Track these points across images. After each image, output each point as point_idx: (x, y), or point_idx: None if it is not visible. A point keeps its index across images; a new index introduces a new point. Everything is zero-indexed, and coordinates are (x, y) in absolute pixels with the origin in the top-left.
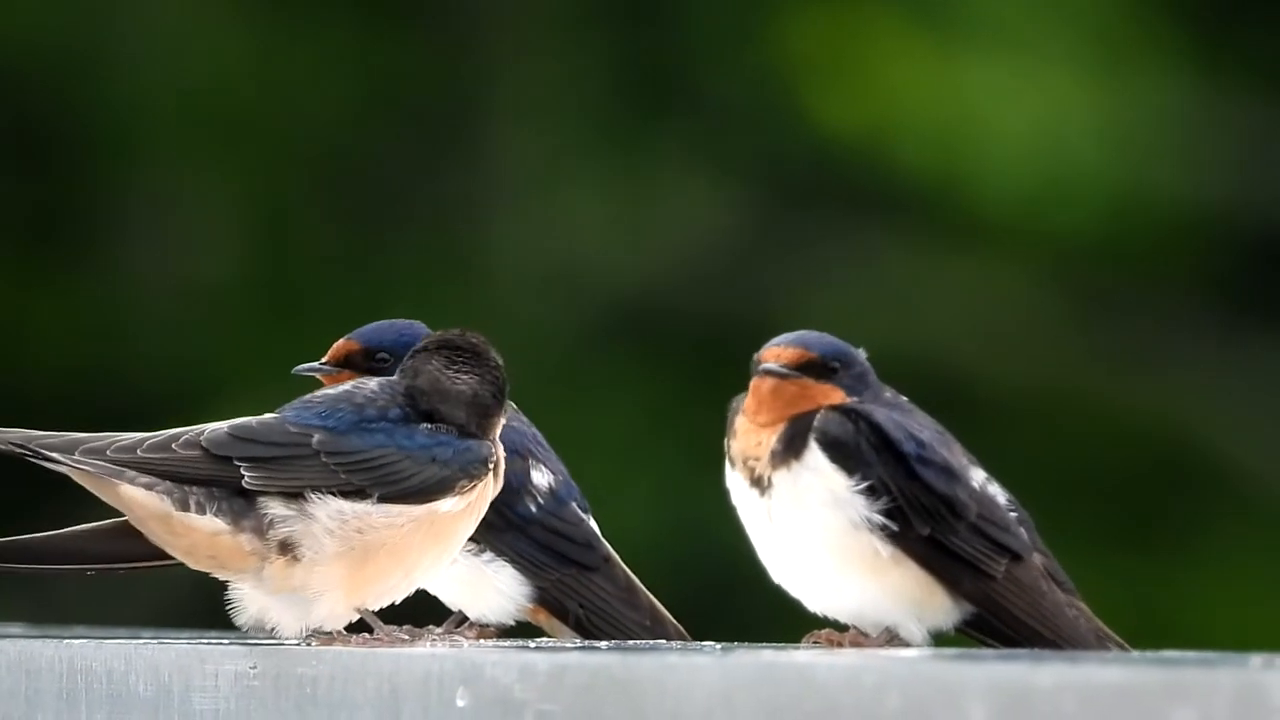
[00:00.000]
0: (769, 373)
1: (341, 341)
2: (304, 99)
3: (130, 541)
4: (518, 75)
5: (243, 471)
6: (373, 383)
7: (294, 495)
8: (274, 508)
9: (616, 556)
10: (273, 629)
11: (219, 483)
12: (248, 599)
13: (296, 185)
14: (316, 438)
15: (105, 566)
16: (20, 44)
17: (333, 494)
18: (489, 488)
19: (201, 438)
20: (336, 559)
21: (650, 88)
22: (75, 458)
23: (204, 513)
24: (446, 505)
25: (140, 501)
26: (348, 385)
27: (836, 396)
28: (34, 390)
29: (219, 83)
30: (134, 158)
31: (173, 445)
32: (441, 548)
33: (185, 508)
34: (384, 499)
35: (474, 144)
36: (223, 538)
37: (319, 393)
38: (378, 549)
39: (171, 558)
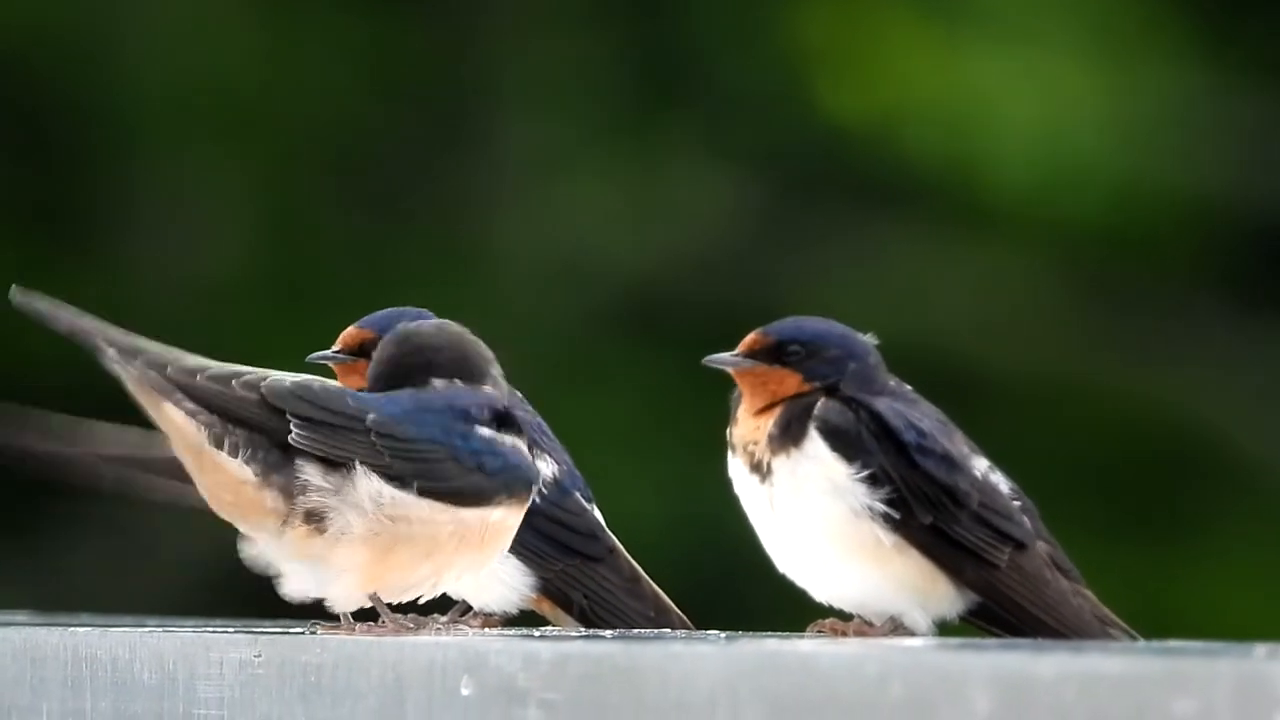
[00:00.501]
0: (717, 362)
1: (353, 329)
2: (310, 90)
3: (160, 475)
4: (525, 65)
5: (292, 427)
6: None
7: (336, 465)
8: (310, 473)
9: (620, 547)
10: (275, 577)
11: (266, 431)
12: (260, 551)
13: (303, 177)
14: (372, 416)
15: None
16: (25, 34)
17: (378, 473)
18: (524, 507)
19: (263, 383)
20: (362, 541)
21: (659, 77)
22: (135, 365)
23: (236, 455)
24: (496, 515)
25: (179, 425)
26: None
27: (792, 382)
28: (37, 383)
29: (225, 74)
30: (139, 150)
31: (233, 381)
32: (477, 554)
33: (219, 445)
34: (423, 493)
35: (481, 133)
36: (247, 488)
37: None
38: (407, 540)
39: (185, 504)
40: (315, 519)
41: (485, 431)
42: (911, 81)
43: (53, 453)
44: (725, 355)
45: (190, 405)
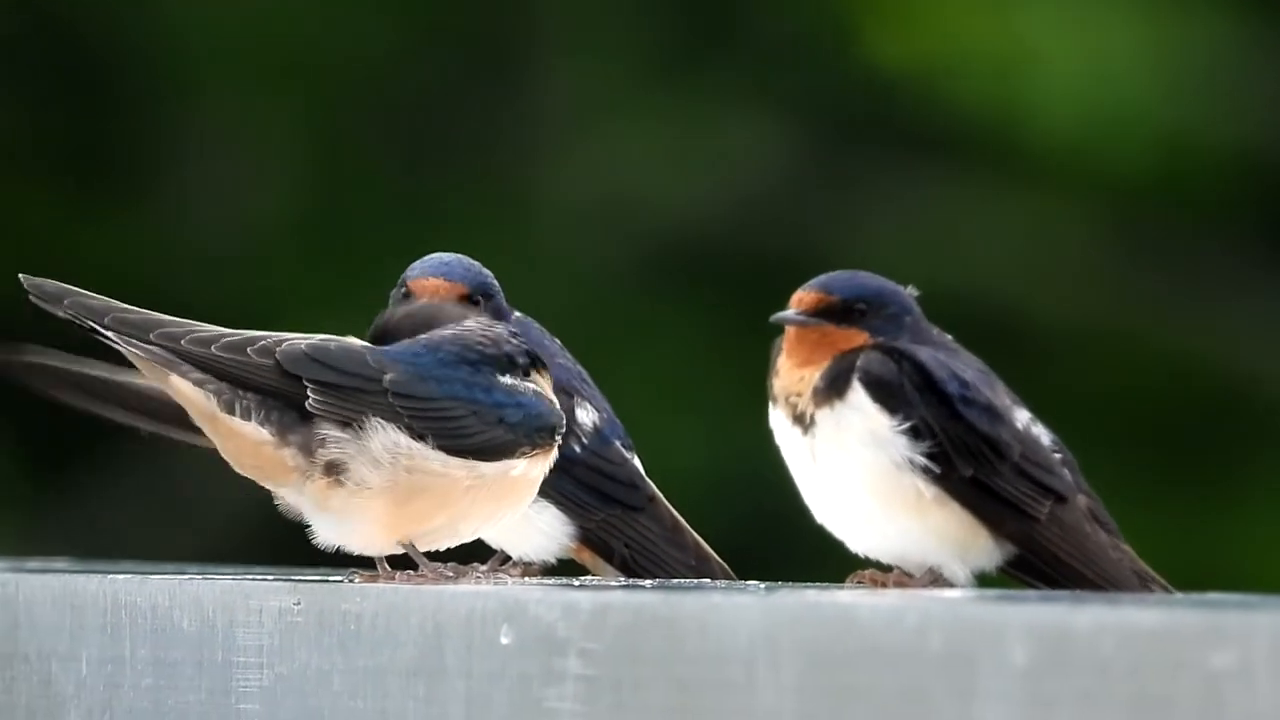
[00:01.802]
0: (784, 321)
1: (435, 281)
2: (354, 33)
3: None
4: (569, 9)
5: (309, 393)
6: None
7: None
8: (327, 427)
9: (660, 496)
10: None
11: (284, 397)
12: (290, 504)
13: (347, 121)
14: (389, 376)
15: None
16: None
17: (394, 425)
18: (552, 453)
19: (278, 350)
20: (379, 492)
21: (703, 22)
22: (140, 342)
23: (249, 419)
24: (519, 468)
25: (188, 396)
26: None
27: (860, 339)
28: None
29: (270, 17)
30: (184, 95)
31: (248, 349)
32: (497, 506)
33: (231, 410)
34: (442, 449)
35: (525, 79)
36: (266, 448)
37: (444, 330)
38: (422, 491)
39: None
40: (335, 471)
41: (507, 380)
42: (957, 29)
43: (89, 382)
44: (791, 313)
45: (198, 375)
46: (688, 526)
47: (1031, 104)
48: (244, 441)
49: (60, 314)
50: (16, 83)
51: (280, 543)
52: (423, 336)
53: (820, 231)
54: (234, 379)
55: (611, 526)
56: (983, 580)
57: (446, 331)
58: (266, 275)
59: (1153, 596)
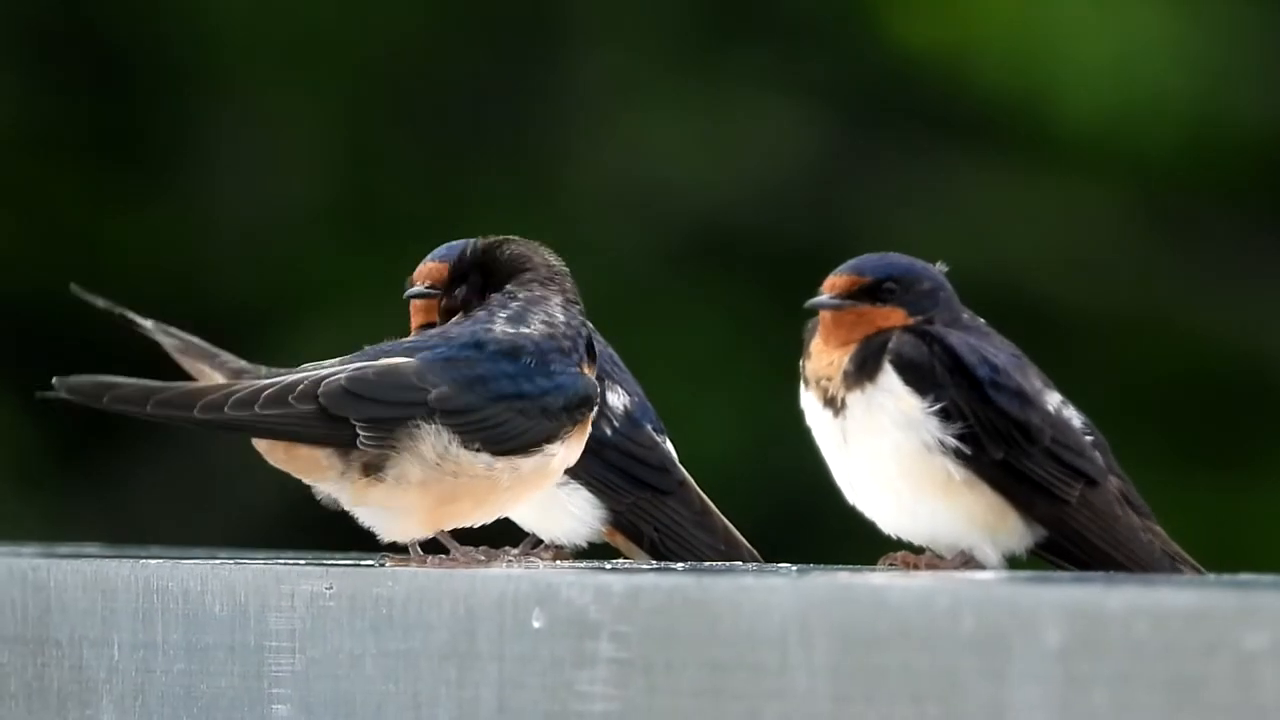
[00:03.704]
0: (820, 306)
1: (433, 264)
2: (385, 20)
3: None
4: None
5: (359, 432)
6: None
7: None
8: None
9: (690, 479)
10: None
11: (336, 443)
12: (325, 493)
13: (377, 107)
14: (434, 394)
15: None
16: None
17: (442, 431)
18: (588, 427)
19: (320, 393)
20: (420, 487)
21: (731, 7)
22: (181, 419)
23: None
24: (557, 456)
25: None
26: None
27: (897, 317)
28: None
29: (302, 3)
30: (215, 80)
31: (289, 398)
32: (531, 492)
33: None
34: (486, 450)
35: (554, 64)
36: (301, 448)
37: (492, 313)
38: (465, 493)
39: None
40: (373, 470)
41: (547, 364)
42: (984, 11)
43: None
44: (825, 298)
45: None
46: (717, 511)
47: (1060, 87)
48: (278, 448)
49: (101, 407)
50: (49, 71)
51: (312, 527)
52: (482, 314)
53: (849, 216)
54: (283, 435)
55: (641, 510)
56: (1014, 564)
57: (513, 306)
58: (298, 260)
59: (1185, 578)
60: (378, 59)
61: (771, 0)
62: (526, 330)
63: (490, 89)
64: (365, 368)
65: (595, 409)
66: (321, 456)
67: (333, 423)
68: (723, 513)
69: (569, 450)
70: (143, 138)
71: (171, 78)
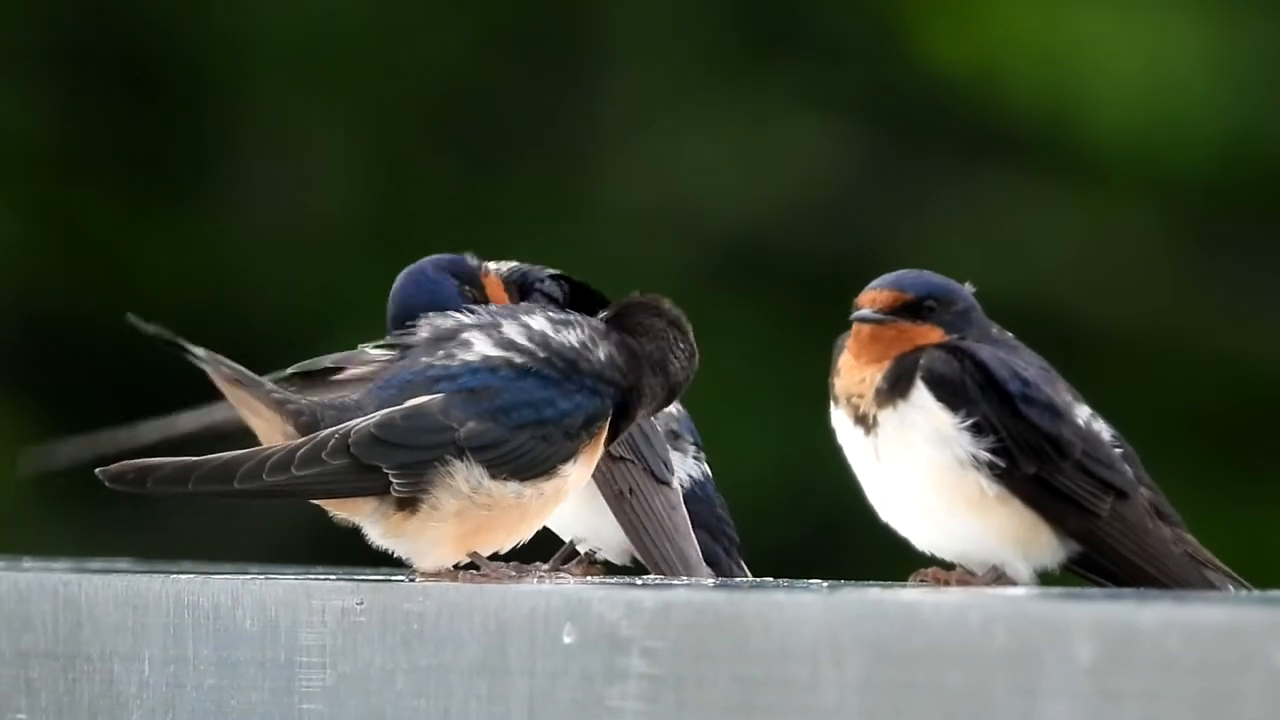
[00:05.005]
0: (863, 320)
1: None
2: (415, 34)
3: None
4: (631, 12)
5: (391, 479)
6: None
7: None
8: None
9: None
10: None
11: (373, 493)
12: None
13: (410, 121)
14: (463, 432)
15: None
16: None
17: (473, 465)
18: (600, 444)
19: (351, 444)
20: (455, 519)
21: (762, 25)
22: (222, 492)
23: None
24: (576, 472)
25: (266, 433)
26: (544, 322)
27: (935, 335)
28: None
29: (331, 18)
30: (247, 93)
31: (323, 455)
32: (552, 509)
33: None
34: (514, 477)
35: (587, 81)
36: None
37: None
38: (496, 523)
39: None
40: (407, 505)
41: (585, 383)
42: (1014, 29)
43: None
44: (868, 312)
45: (278, 395)
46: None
47: (1091, 104)
48: None
49: (147, 492)
50: (80, 87)
51: (342, 543)
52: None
53: (881, 234)
54: (323, 495)
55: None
56: (1046, 579)
57: (534, 328)
58: (329, 275)
59: (1218, 594)
60: (411, 75)
61: (804, 20)
62: (546, 348)
63: (524, 105)
64: (393, 413)
65: (608, 422)
66: (358, 499)
67: (366, 473)
68: (754, 531)
69: (581, 469)
70: (174, 153)
71: (204, 94)
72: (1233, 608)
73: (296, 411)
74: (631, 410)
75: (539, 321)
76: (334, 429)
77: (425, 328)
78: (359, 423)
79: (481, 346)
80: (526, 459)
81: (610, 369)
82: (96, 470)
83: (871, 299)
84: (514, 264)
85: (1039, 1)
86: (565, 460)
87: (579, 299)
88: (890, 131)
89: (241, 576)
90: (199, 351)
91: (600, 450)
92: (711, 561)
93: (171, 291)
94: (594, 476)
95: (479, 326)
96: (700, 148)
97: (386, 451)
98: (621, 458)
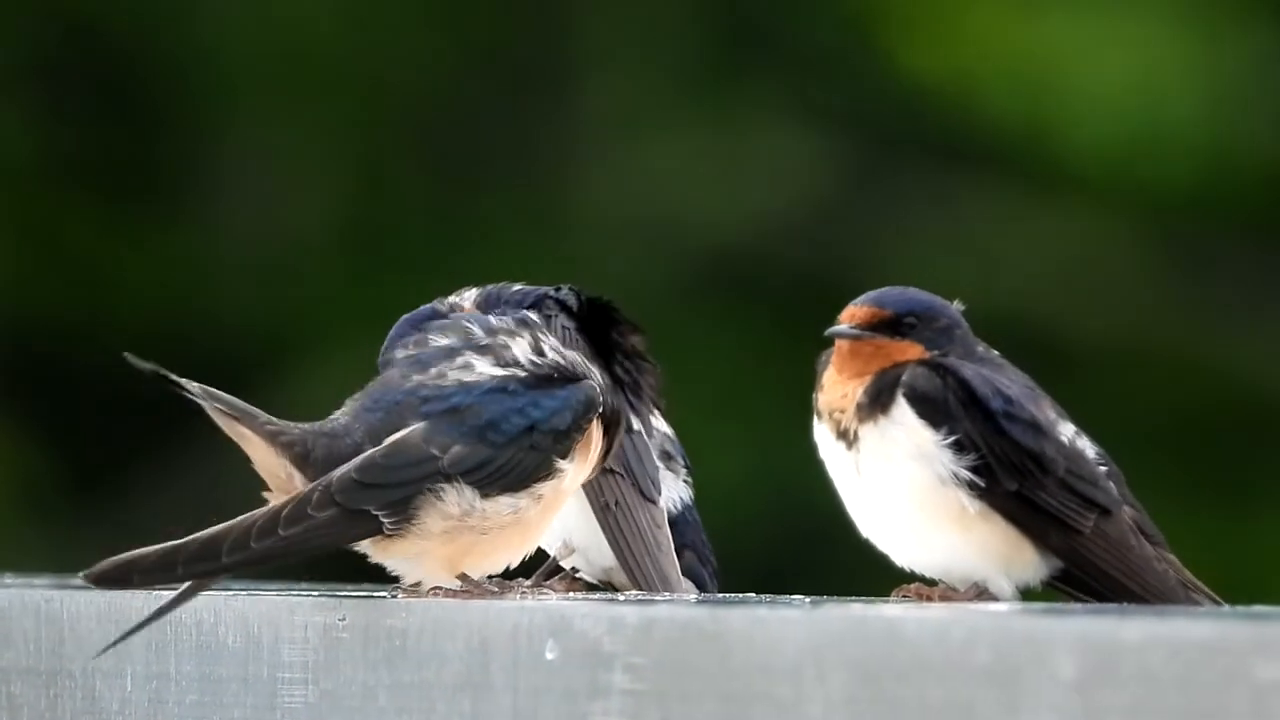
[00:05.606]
0: (838, 335)
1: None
2: (392, 48)
3: None
4: (606, 24)
5: (382, 520)
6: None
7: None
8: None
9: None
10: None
11: (366, 536)
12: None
13: (387, 137)
14: (447, 459)
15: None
16: None
17: (462, 488)
18: (594, 438)
19: (335, 493)
20: (444, 543)
21: (738, 36)
22: (213, 569)
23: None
24: (568, 475)
25: (261, 463)
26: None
27: (915, 352)
28: (123, 343)
29: (308, 31)
30: (223, 109)
31: (308, 510)
32: (554, 512)
33: (303, 471)
34: (507, 492)
35: (563, 94)
36: None
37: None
38: (495, 538)
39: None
40: (399, 528)
41: (563, 390)
42: (991, 40)
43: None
44: (845, 327)
45: (273, 427)
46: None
47: (1070, 116)
48: None
49: (134, 587)
50: (58, 101)
51: (324, 558)
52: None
53: (858, 245)
54: (316, 550)
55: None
56: (1028, 595)
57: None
58: (306, 289)
59: (1201, 609)
60: (388, 91)
61: (781, 31)
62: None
63: (500, 117)
64: (373, 453)
65: (600, 412)
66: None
67: (356, 519)
68: (733, 543)
69: (579, 466)
70: (152, 168)
71: (181, 109)
72: (1216, 622)
73: (290, 442)
74: (619, 408)
75: (520, 343)
76: (314, 484)
77: (412, 345)
78: (340, 472)
79: (483, 366)
80: (516, 473)
81: (584, 366)
82: (81, 575)
83: (851, 314)
84: (475, 289)
85: (1018, 13)
86: (562, 457)
87: (594, 311)
88: (869, 143)
89: (224, 593)
90: (193, 387)
91: (598, 447)
92: (697, 585)
93: (150, 307)
94: (582, 487)
95: (471, 348)
96: (679, 160)
97: (372, 494)
98: (611, 470)
